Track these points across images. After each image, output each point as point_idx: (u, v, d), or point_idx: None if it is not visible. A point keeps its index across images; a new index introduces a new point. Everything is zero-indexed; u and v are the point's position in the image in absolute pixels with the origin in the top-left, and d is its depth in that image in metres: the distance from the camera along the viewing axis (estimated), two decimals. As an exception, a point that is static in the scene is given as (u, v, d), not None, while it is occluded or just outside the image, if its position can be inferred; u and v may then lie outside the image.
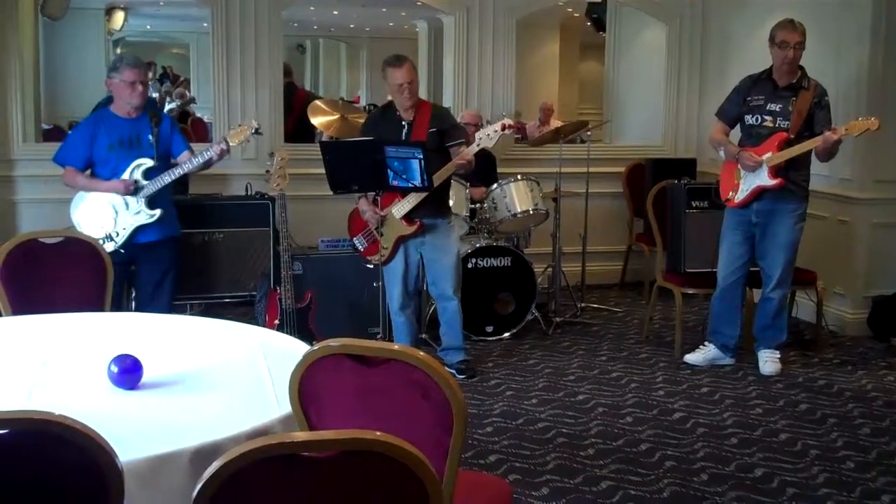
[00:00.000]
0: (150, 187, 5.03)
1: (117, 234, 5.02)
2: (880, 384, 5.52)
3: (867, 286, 6.49)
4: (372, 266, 5.82)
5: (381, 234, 5.37)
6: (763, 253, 5.56)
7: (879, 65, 6.28)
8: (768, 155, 5.35)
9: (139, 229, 5.08)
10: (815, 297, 6.15)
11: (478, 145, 5.29)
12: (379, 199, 5.37)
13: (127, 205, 5.04)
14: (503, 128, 5.28)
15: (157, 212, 5.08)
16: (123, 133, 5.09)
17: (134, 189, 5.02)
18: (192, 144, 5.34)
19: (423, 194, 5.23)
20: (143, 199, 5.04)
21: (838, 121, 5.51)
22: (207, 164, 5.10)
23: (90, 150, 5.11)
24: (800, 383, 5.52)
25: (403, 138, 5.30)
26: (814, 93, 5.36)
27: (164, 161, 5.13)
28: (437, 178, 5.21)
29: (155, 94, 15.38)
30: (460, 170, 5.34)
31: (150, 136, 5.04)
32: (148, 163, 5.04)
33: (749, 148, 5.45)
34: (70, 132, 5.68)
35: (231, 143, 5.09)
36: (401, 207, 5.34)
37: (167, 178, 5.03)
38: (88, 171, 5.15)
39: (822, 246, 6.31)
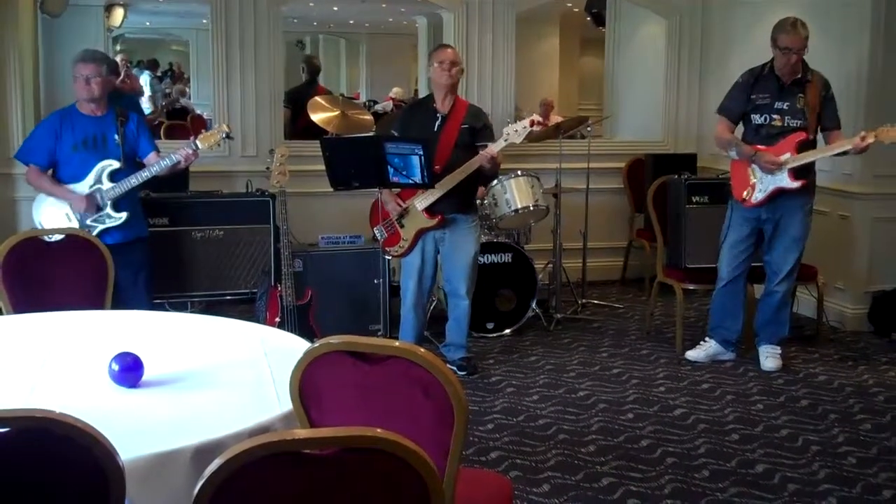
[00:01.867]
0: (116, 190, 4.92)
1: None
2: (881, 379, 5.52)
3: (868, 281, 6.49)
4: (390, 258, 5.80)
5: (402, 226, 5.38)
6: (772, 247, 5.54)
7: (880, 59, 6.27)
8: (787, 156, 5.33)
9: (104, 231, 4.93)
10: (815, 292, 6.16)
11: (505, 140, 5.21)
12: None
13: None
14: (532, 123, 5.19)
15: (123, 215, 4.97)
16: (88, 132, 4.97)
17: (95, 209, 4.92)
18: (185, 141, 5.27)
19: (448, 186, 5.22)
20: (108, 202, 4.94)
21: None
22: (175, 166, 4.95)
23: (54, 148, 4.97)
24: (801, 379, 5.51)
25: (436, 129, 5.31)
26: (819, 85, 5.34)
27: (130, 161, 5.02)
28: (460, 174, 5.21)
29: (167, 92, 15.38)
30: (487, 166, 5.26)
31: (116, 136, 4.95)
32: (114, 164, 4.93)
33: (763, 148, 5.40)
34: (34, 128, 5.51)
35: (201, 147, 4.97)
36: (424, 199, 5.32)
37: (134, 180, 4.91)
38: (51, 171, 5.03)
39: (822, 241, 6.30)
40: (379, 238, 5.59)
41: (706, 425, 4.77)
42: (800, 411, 5.00)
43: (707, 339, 5.84)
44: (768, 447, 4.50)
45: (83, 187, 4.96)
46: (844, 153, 5.32)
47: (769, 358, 5.65)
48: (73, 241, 4.07)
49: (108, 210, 4.96)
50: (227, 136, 5.13)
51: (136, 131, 5.09)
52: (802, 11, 5.94)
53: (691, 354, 5.82)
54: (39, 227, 4.93)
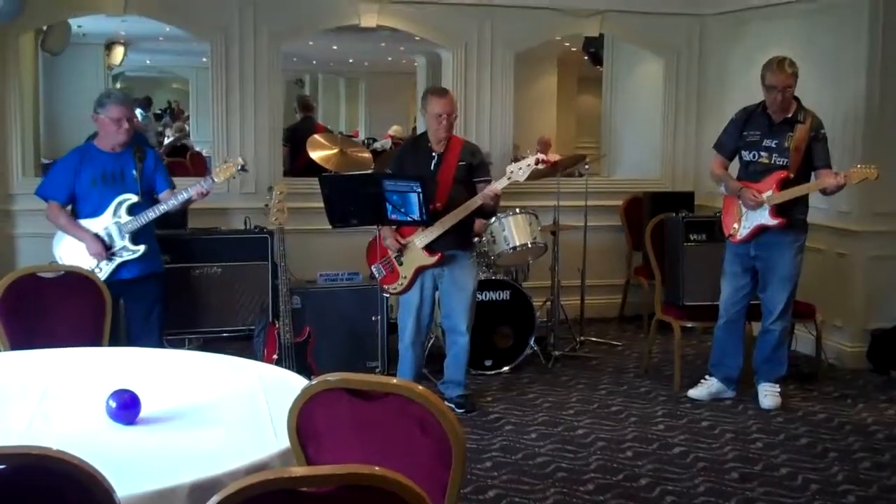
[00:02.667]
0: (135, 223, 4.97)
1: (100, 270, 4.90)
2: (880, 417, 5.50)
3: (866, 319, 6.49)
4: (388, 296, 5.80)
5: (401, 264, 5.38)
6: (764, 285, 5.56)
7: (876, 95, 6.31)
8: (768, 193, 5.36)
9: (122, 265, 5.02)
10: (814, 330, 6.14)
11: (508, 179, 5.22)
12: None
13: (111, 240, 4.99)
14: (537, 162, 5.20)
15: (141, 247, 5.02)
16: (107, 168, 5.03)
17: (108, 256, 4.97)
18: (186, 178, 5.31)
19: (448, 224, 5.24)
20: (126, 235, 4.99)
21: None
22: (189, 201, 5.04)
23: (73, 184, 5.04)
24: (800, 417, 5.50)
25: (432, 169, 5.33)
26: (810, 126, 5.36)
27: (148, 196, 5.08)
28: (461, 212, 5.23)
29: (162, 129, 15.42)
30: (486, 204, 5.26)
31: (134, 172, 5.01)
32: (132, 198, 4.99)
33: (749, 184, 5.45)
34: (53, 165, 5.59)
35: (216, 181, 5.05)
36: (424, 237, 5.33)
37: (151, 214, 4.98)
38: (70, 207, 5.09)
39: (820, 279, 6.31)
40: (377, 276, 5.59)
41: (705, 464, 4.75)
42: (799, 449, 4.98)
43: (708, 377, 5.83)
44: (768, 486, 4.47)
45: (103, 221, 5.02)
46: (823, 191, 5.35)
47: (768, 396, 5.63)
48: (72, 278, 4.08)
49: (127, 243, 5.01)
50: (243, 169, 5.21)
51: (154, 167, 5.16)
52: (798, 47, 6.00)
53: (693, 393, 5.80)
54: (59, 261, 5.02)
